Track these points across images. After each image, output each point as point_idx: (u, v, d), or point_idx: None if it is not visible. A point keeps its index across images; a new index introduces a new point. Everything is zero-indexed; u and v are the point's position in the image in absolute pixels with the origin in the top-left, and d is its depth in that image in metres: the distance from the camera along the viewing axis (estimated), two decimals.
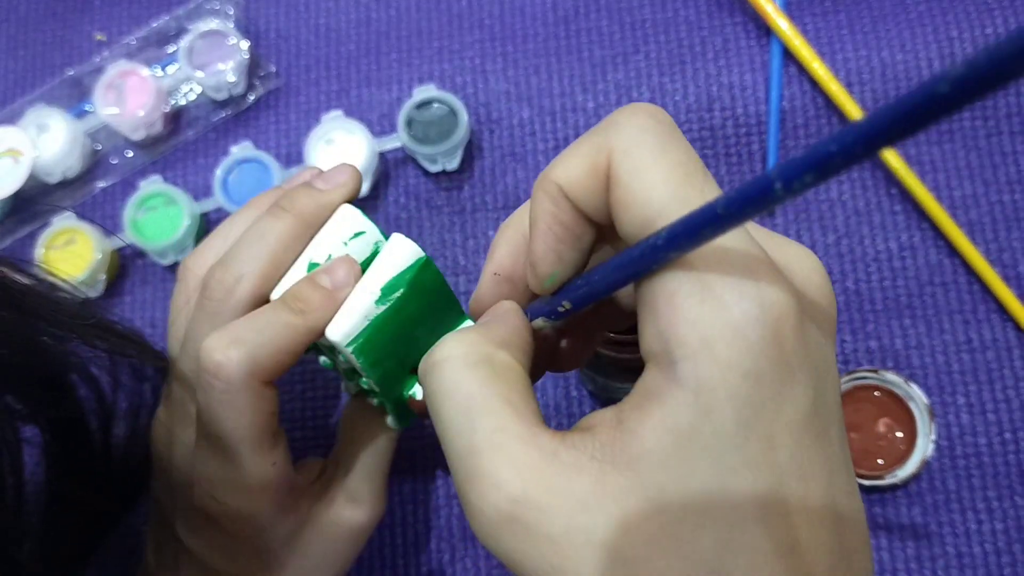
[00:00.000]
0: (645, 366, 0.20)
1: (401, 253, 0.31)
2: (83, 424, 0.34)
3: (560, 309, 0.23)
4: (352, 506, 0.35)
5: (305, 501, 0.34)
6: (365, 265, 0.32)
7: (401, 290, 0.30)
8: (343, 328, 0.30)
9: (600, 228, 0.22)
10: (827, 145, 0.14)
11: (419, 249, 0.31)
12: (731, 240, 0.19)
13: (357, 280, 0.31)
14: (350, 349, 0.30)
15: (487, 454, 0.20)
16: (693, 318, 0.19)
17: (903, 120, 0.13)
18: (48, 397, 0.32)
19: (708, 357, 0.18)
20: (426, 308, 0.31)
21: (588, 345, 0.28)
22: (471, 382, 0.21)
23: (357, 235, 0.32)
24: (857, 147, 0.14)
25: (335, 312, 0.30)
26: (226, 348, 0.29)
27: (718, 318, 0.18)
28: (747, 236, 0.20)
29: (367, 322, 0.30)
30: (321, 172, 0.35)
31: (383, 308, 0.30)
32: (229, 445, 0.30)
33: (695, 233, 0.18)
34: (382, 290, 0.30)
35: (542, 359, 0.26)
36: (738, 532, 0.18)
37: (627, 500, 0.19)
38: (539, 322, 0.24)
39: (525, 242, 0.24)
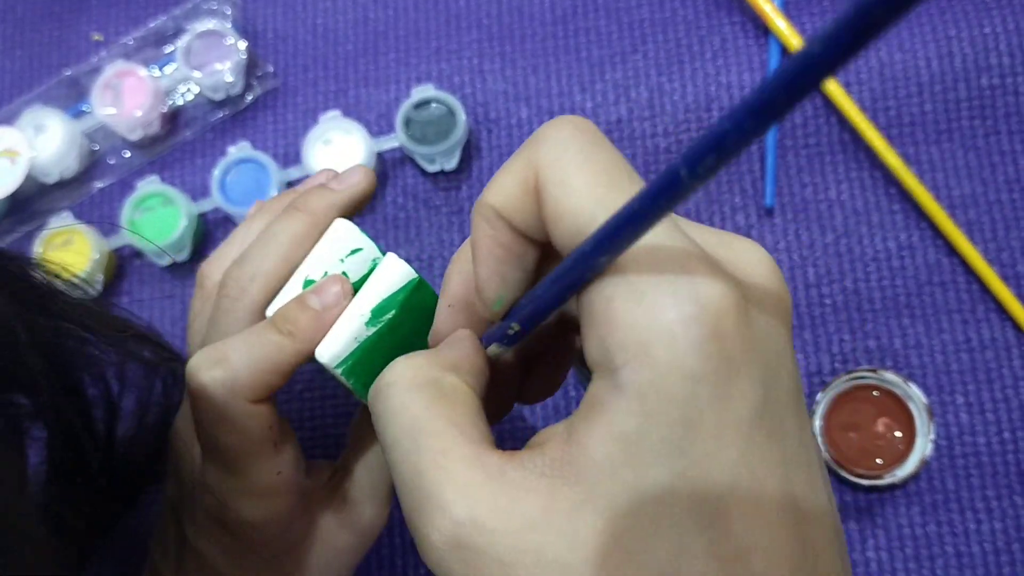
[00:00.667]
0: (591, 376, 0.20)
1: (393, 274, 0.31)
2: (89, 423, 0.34)
3: (510, 332, 0.23)
4: (359, 512, 0.35)
5: (313, 505, 0.34)
6: (362, 282, 0.31)
7: (392, 311, 0.30)
8: (332, 350, 0.30)
9: (543, 245, 0.22)
10: (721, 124, 0.14)
11: (412, 271, 0.31)
12: (665, 240, 0.19)
13: (348, 299, 0.31)
14: (339, 371, 0.30)
15: (431, 476, 0.20)
16: (630, 322, 0.18)
17: (784, 89, 0.13)
18: (58, 395, 0.32)
19: (647, 361, 0.18)
20: (419, 328, 0.31)
21: (556, 374, 0.27)
22: (416, 404, 0.21)
23: (354, 252, 0.32)
24: (746, 122, 0.14)
25: (324, 333, 0.30)
26: (210, 368, 0.29)
27: (654, 320, 0.18)
28: (681, 235, 0.19)
29: (357, 344, 0.30)
30: (337, 175, 0.35)
31: (373, 330, 0.30)
32: (227, 459, 0.30)
33: (619, 234, 0.18)
34: (372, 312, 0.30)
35: (508, 391, 0.26)
36: (689, 538, 0.18)
37: (578, 515, 0.19)
38: (493, 348, 0.24)
39: None
